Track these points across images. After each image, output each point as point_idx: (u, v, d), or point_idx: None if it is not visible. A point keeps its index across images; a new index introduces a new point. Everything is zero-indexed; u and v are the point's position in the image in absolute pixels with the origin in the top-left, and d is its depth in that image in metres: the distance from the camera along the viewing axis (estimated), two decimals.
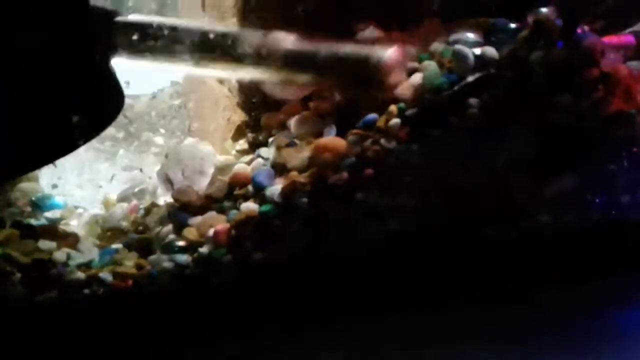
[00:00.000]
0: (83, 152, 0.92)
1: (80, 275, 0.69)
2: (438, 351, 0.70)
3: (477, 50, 0.72)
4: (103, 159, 0.96)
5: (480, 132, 0.72)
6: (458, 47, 0.73)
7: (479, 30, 0.76)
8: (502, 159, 0.73)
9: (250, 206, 0.74)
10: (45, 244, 0.69)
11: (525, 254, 0.77)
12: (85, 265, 0.70)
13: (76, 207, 0.85)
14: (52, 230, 0.72)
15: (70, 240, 0.72)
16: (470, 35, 0.75)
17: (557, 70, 0.71)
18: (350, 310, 0.75)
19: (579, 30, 0.72)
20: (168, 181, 0.79)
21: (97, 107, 0.72)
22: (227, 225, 0.74)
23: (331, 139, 0.75)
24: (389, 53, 0.72)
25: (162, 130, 0.99)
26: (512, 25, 0.75)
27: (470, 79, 0.71)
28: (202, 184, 0.78)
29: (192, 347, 0.70)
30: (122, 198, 0.84)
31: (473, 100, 0.71)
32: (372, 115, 0.74)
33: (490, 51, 0.72)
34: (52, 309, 0.67)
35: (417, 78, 0.74)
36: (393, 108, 0.74)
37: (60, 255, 0.69)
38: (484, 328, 0.73)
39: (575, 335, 0.71)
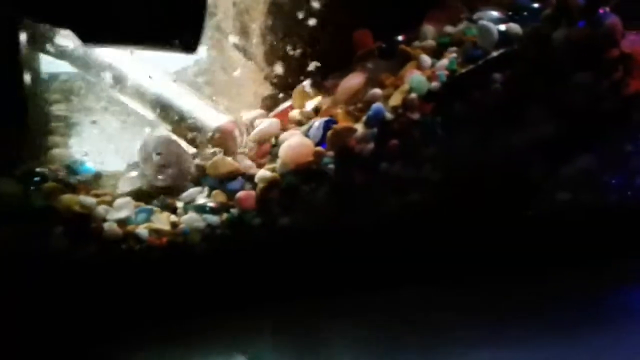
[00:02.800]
0: (111, 124, 0.96)
1: (118, 231, 0.72)
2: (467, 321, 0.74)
3: (502, 27, 0.75)
4: (129, 130, 0.98)
5: (502, 107, 0.75)
6: (483, 22, 0.75)
7: (502, 9, 0.79)
8: (522, 135, 0.76)
9: (261, 174, 0.77)
10: (86, 199, 0.72)
11: (543, 231, 0.80)
12: (123, 222, 0.73)
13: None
14: (90, 189, 0.75)
15: (107, 198, 0.75)
16: (494, 13, 0.78)
17: (578, 48, 0.74)
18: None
19: (600, 11, 0.74)
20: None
21: None
22: (252, 191, 0.76)
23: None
24: (221, 126, 0.81)
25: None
26: (535, 5, 0.77)
27: (494, 54, 0.74)
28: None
29: (220, 302, 0.74)
30: None
31: (497, 75, 0.74)
32: (378, 106, 0.76)
33: (515, 27, 0.75)
34: (91, 262, 0.70)
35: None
36: (406, 86, 0.76)
37: (100, 210, 0.72)
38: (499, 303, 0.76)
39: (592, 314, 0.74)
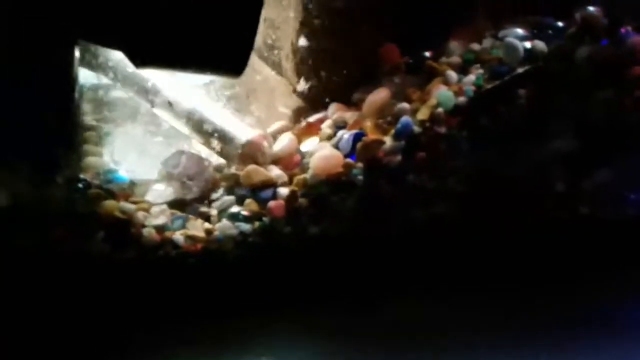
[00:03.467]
0: (141, 134, 0.99)
1: (156, 236, 0.75)
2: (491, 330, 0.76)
3: (527, 44, 0.78)
4: (159, 140, 1.01)
5: (527, 122, 0.77)
6: (509, 39, 0.78)
7: (527, 27, 0.81)
8: (546, 149, 0.79)
9: (282, 191, 0.80)
10: (126, 206, 0.75)
11: (565, 243, 0.82)
12: (160, 228, 0.76)
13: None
14: (128, 196, 0.78)
15: (145, 205, 0.78)
16: (520, 31, 0.80)
17: (600, 65, 0.76)
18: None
19: (622, 30, 0.77)
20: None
21: None
22: (282, 201, 0.79)
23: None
24: (251, 139, 0.84)
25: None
26: (559, 24, 0.80)
27: (520, 70, 0.77)
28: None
29: (251, 306, 0.77)
30: None
31: (522, 91, 0.76)
32: (406, 119, 0.79)
33: (540, 45, 0.77)
34: (130, 267, 0.73)
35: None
36: (433, 101, 0.79)
37: (139, 216, 0.75)
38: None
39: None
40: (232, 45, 0.69)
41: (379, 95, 0.83)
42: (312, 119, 0.88)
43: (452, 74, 0.81)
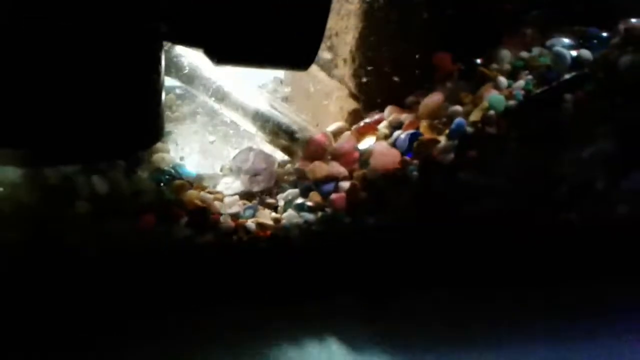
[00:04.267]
0: (201, 135, 1.06)
1: (231, 223, 0.82)
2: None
3: (574, 53, 0.84)
4: (225, 138, 1.09)
5: (572, 125, 0.83)
6: (558, 48, 0.84)
7: (573, 37, 0.88)
8: (590, 151, 0.85)
9: (343, 185, 0.86)
10: (205, 195, 0.82)
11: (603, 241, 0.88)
12: (234, 216, 0.83)
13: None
14: (204, 187, 0.85)
15: (219, 195, 0.85)
16: (567, 40, 0.87)
17: None
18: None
19: None
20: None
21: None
22: (343, 194, 0.86)
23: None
24: (314, 137, 0.90)
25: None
26: (604, 34, 0.86)
27: (567, 76, 0.83)
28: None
29: (314, 289, 0.83)
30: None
31: (568, 96, 0.82)
32: (460, 120, 0.84)
33: (586, 53, 0.83)
34: (209, 249, 0.80)
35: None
36: (485, 104, 0.85)
37: (216, 205, 0.83)
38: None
39: None
40: (302, 41, 0.73)
41: (434, 99, 0.89)
42: (369, 119, 0.95)
43: (503, 80, 0.87)
